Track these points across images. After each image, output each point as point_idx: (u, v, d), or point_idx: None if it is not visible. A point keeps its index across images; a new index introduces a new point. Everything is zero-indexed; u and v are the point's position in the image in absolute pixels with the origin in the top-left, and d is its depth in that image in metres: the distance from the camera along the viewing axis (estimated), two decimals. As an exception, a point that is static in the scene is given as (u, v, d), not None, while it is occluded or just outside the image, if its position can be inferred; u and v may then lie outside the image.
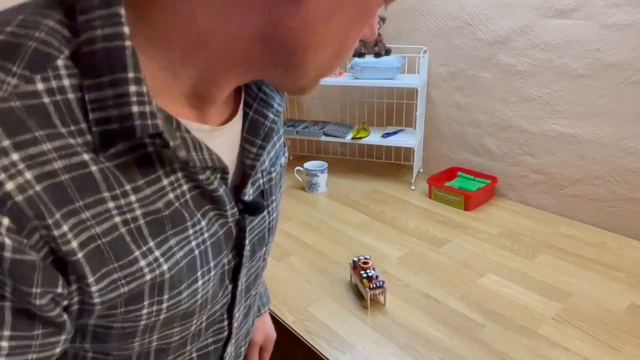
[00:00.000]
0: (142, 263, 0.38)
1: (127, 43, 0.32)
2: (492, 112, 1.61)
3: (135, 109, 0.33)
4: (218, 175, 0.43)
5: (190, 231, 0.42)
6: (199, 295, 0.45)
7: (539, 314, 1.05)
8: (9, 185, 0.29)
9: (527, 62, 1.47)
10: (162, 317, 0.42)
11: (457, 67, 1.67)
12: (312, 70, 0.40)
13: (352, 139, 1.77)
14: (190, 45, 0.35)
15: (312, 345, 0.98)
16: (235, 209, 0.47)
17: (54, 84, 0.31)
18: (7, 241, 0.29)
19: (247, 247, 0.51)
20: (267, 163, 0.53)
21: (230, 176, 0.45)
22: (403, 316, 1.06)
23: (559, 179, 1.49)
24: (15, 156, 0.29)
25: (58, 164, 0.31)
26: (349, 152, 2.13)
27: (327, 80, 1.73)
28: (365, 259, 1.14)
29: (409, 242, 1.36)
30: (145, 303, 0.40)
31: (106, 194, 0.34)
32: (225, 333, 0.55)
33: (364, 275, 1.09)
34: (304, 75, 0.40)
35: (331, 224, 1.49)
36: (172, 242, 0.40)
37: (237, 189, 0.48)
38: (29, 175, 0.30)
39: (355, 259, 1.15)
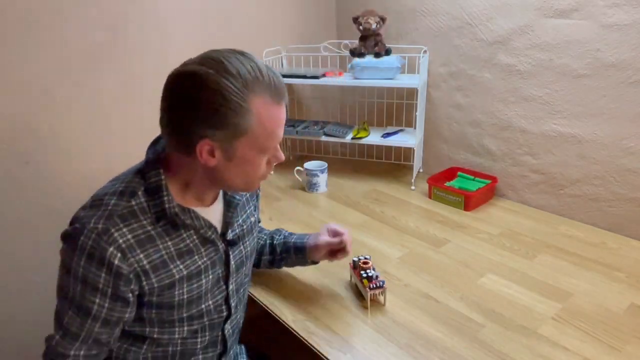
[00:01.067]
0: (174, 271, 0.84)
1: (163, 183, 0.81)
2: (492, 112, 1.61)
3: (166, 205, 0.81)
4: (212, 230, 0.88)
5: (197, 256, 0.87)
6: (202, 288, 0.89)
7: (538, 314, 1.05)
8: (120, 240, 0.76)
9: (527, 62, 1.47)
10: (185, 297, 0.86)
11: (457, 67, 1.67)
12: (237, 186, 0.85)
13: (352, 139, 1.77)
14: (186, 182, 0.84)
15: (312, 346, 0.98)
16: (222, 244, 0.91)
17: (138, 200, 0.80)
18: (117, 262, 0.76)
19: (232, 265, 0.94)
20: (240, 220, 0.97)
21: (219, 228, 0.91)
22: (403, 316, 1.06)
23: (559, 179, 1.49)
24: (125, 229, 0.77)
25: (139, 232, 0.79)
26: (349, 152, 2.13)
27: (327, 80, 1.73)
28: (365, 259, 1.14)
29: (409, 242, 1.36)
30: (177, 289, 0.85)
31: (158, 242, 0.81)
32: (225, 314, 0.96)
33: (364, 275, 1.09)
34: (234, 188, 0.87)
35: (331, 224, 1.49)
36: (189, 261, 0.86)
37: (224, 234, 0.92)
38: (129, 235, 0.77)
39: (355, 259, 1.15)
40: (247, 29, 1.74)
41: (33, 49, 1.23)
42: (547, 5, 1.37)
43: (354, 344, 0.98)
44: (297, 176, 1.80)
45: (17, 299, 1.35)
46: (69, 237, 0.76)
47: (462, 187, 1.62)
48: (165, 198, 0.80)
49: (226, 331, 0.98)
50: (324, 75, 1.76)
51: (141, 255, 0.78)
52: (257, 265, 1.17)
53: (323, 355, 0.95)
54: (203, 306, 0.90)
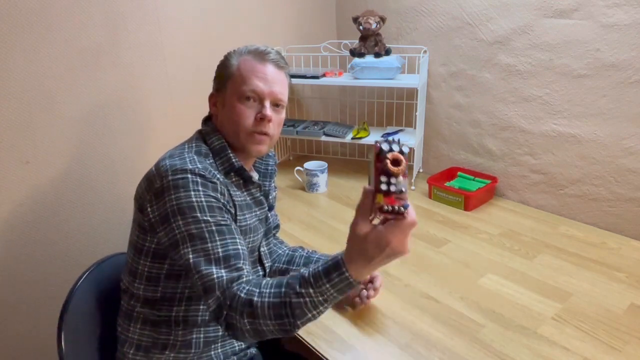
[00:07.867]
0: (247, 216, 0.99)
1: (225, 143, 0.97)
2: (492, 112, 1.61)
3: (233, 160, 0.97)
4: (260, 192, 1.05)
5: (256, 211, 1.03)
6: (256, 243, 1.04)
7: (538, 314, 1.05)
8: (217, 174, 0.90)
9: (527, 62, 1.47)
10: (247, 247, 0.95)
11: (457, 67, 1.67)
12: (232, 136, 0.97)
13: (352, 139, 1.77)
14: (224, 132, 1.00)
15: (312, 347, 0.98)
16: (267, 206, 1.08)
17: (210, 160, 0.95)
18: (220, 184, 0.90)
19: (270, 221, 1.12)
20: (269, 189, 1.11)
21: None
22: (403, 316, 1.06)
23: (559, 179, 1.49)
24: (218, 174, 0.91)
25: (219, 179, 0.90)
26: (349, 152, 2.13)
27: (327, 80, 1.73)
28: (401, 152, 0.67)
29: (409, 242, 1.36)
30: (246, 238, 0.97)
31: (236, 189, 0.97)
32: (261, 274, 1.09)
33: (383, 182, 0.67)
34: (232, 140, 0.98)
35: (331, 224, 1.49)
36: (251, 214, 1.00)
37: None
38: (219, 176, 0.91)
39: (385, 145, 0.67)
40: (248, 29, 1.74)
41: (33, 49, 1.23)
42: (547, 5, 1.37)
43: (354, 345, 0.98)
44: (297, 176, 1.80)
45: (18, 295, 1.35)
46: (175, 179, 0.84)
47: (462, 187, 1.62)
48: (231, 154, 0.96)
49: None
50: (324, 75, 1.76)
51: (230, 191, 0.93)
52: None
53: (323, 356, 0.95)
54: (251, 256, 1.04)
